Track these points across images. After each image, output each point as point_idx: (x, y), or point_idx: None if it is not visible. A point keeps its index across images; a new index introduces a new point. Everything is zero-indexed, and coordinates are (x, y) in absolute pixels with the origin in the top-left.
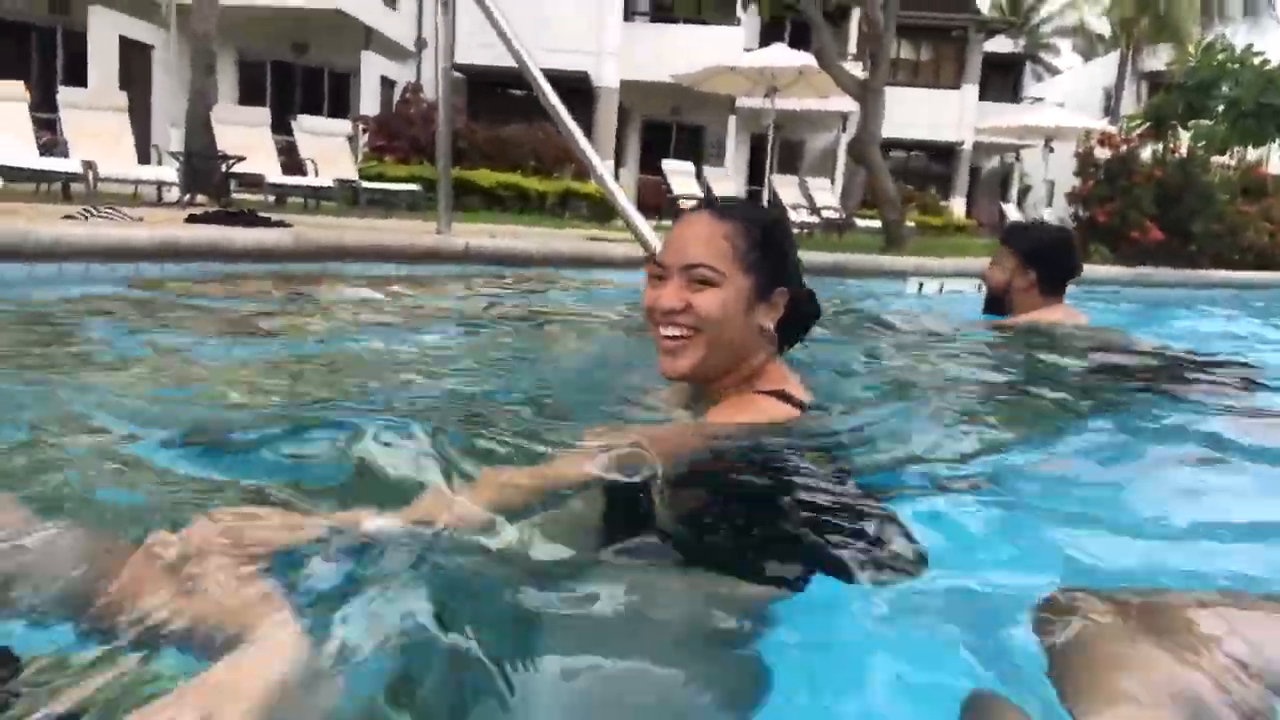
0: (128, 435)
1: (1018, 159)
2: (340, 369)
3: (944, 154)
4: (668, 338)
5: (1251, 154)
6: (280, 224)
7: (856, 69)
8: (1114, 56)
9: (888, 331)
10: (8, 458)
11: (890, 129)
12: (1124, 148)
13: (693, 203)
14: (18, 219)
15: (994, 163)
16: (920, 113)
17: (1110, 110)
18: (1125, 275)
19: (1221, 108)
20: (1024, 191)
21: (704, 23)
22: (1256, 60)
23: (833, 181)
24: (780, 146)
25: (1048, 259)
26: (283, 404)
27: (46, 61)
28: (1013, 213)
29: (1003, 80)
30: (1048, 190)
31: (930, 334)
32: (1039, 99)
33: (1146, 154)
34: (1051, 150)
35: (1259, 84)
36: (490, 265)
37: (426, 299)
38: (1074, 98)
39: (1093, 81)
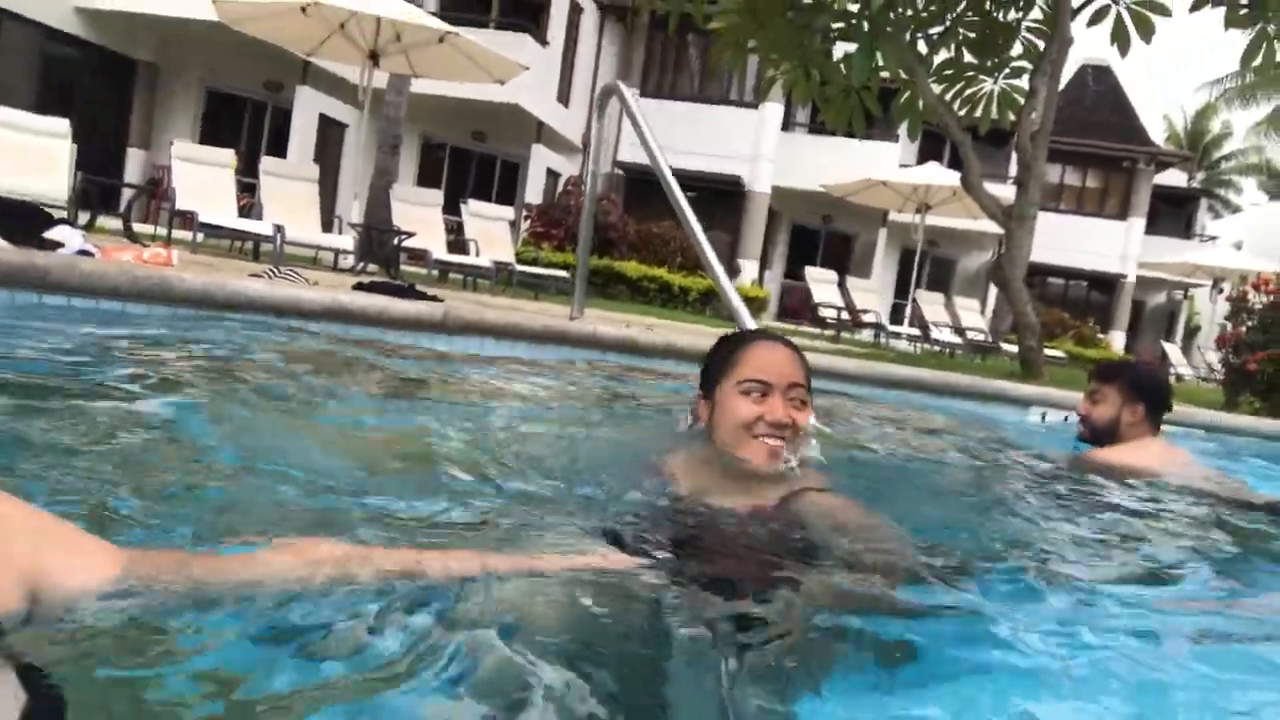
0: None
1: (1186, 297)
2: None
3: (1106, 285)
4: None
5: None
6: (434, 298)
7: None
8: None
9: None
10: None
11: (1050, 255)
12: None
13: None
14: (214, 273)
15: (1161, 299)
16: (1083, 241)
17: None
18: (1267, 427)
19: None
20: (1192, 331)
21: (866, 137)
22: None
23: (983, 303)
24: (932, 263)
25: (1153, 394)
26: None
27: (255, 132)
28: (1174, 353)
29: (1175, 214)
30: (1219, 333)
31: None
32: (1213, 237)
33: None
34: (1221, 291)
35: None
36: (613, 353)
37: (539, 378)
38: (1256, 238)
39: (1278, 221)
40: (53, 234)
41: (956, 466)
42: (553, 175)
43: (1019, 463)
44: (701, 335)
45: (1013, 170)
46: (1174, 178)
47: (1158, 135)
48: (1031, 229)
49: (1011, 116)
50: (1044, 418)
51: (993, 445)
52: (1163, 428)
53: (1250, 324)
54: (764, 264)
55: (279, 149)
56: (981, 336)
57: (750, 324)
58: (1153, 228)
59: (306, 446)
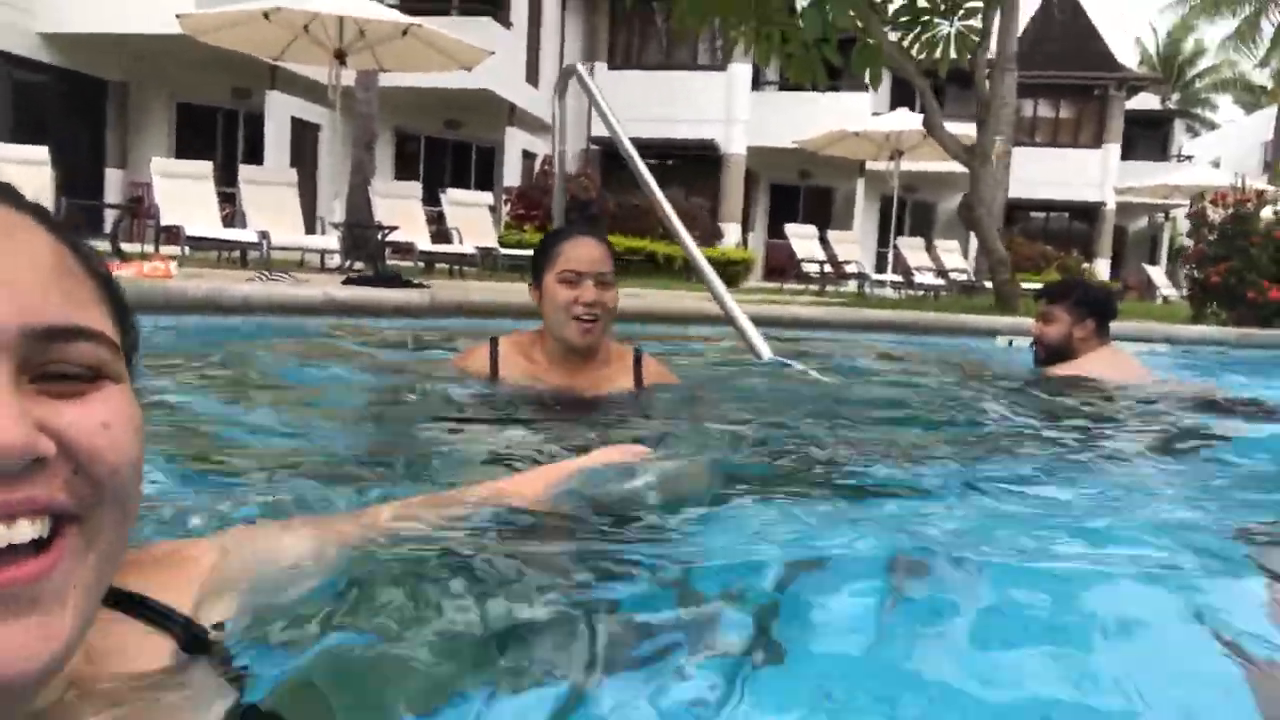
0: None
1: (1167, 219)
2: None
3: (1086, 215)
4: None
5: None
6: (420, 285)
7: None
8: (1274, 110)
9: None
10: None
11: (1029, 189)
12: (1239, 207)
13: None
14: (214, 280)
15: (1143, 223)
16: (1061, 173)
17: (1269, 167)
18: (1232, 336)
19: None
20: (1177, 252)
21: (835, 88)
22: None
23: (964, 244)
24: (912, 209)
25: (1100, 307)
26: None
27: (229, 141)
28: (1158, 275)
29: (1151, 138)
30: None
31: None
32: (1189, 157)
33: (1268, 213)
34: None
35: None
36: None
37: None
38: (1232, 154)
39: (1256, 137)
40: None
41: (907, 387)
42: (529, 157)
43: (974, 382)
44: (679, 299)
45: None
46: (1148, 101)
47: (1131, 60)
48: (1006, 165)
49: (970, 57)
50: (1010, 343)
51: (951, 370)
52: (1127, 345)
53: (1211, 239)
54: (746, 225)
55: (255, 156)
56: (964, 277)
57: (719, 286)
58: (1130, 153)
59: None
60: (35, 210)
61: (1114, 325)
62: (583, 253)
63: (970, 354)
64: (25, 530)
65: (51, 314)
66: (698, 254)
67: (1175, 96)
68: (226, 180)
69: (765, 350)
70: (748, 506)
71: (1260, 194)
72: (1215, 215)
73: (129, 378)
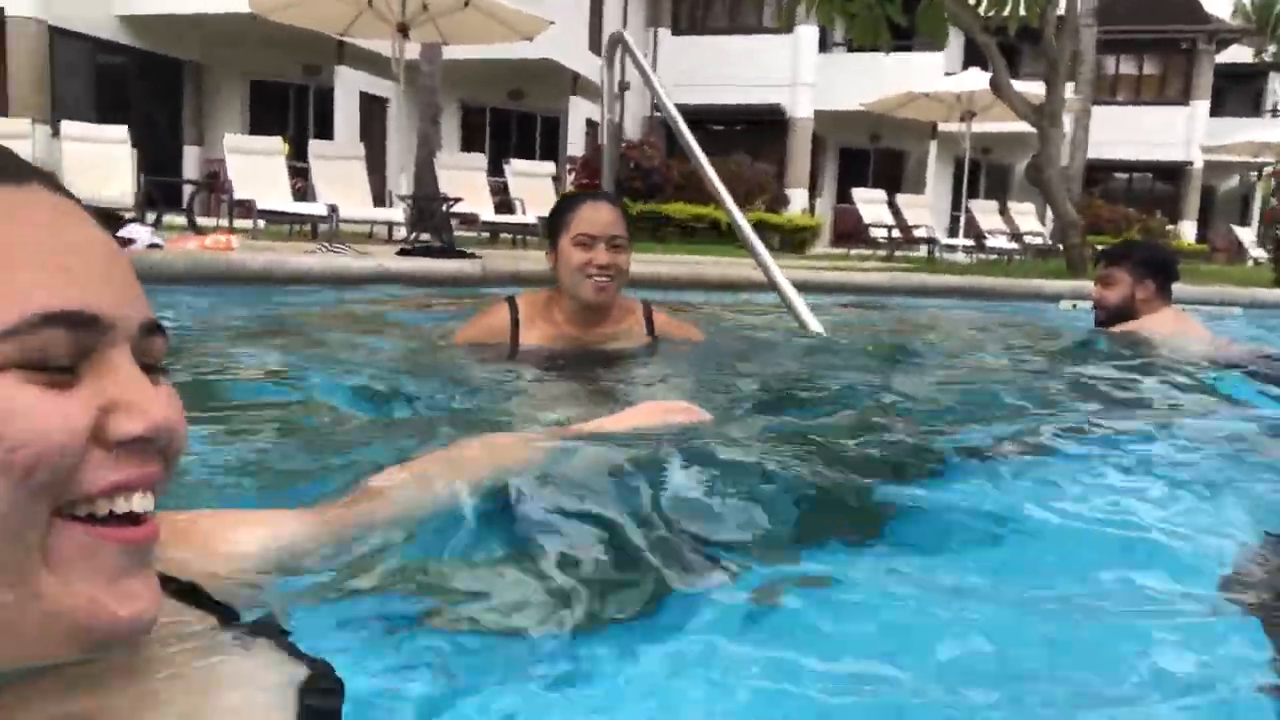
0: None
1: (1260, 178)
2: None
3: (1171, 175)
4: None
5: None
6: (472, 255)
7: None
8: None
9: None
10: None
11: (1111, 149)
12: None
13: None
14: (273, 252)
15: (1233, 183)
16: (1144, 131)
17: None
18: None
19: None
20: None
21: (908, 49)
22: None
23: (1040, 207)
24: (988, 171)
25: (1160, 268)
26: None
27: (300, 116)
28: (1247, 237)
29: (1243, 93)
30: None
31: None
32: None
33: None
34: None
35: None
36: (640, 289)
37: None
38: None
39: None
40: (124, 232)
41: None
42: (592, 125)
43: (1030, 344)
44: (721, 266)
45: None
46: (1240, 54)
47: (1224, 9)
48: (1086, 126)
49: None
50: (1075, 306)
51: (1010, 332)
52: (1196, 308)
53: None
54: (814, 191)
55: (325, 131)
56: (1039, 240)
57: (763, 252)
58: (1219, 109)
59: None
60: (66, 190)
61: (1192, 290)
62: (597, 216)
63: (1032, 319)
64: (149, 500)
65: (147, 310)
66: (744, 222)
67: (1271, 49)
68: (298, 155)
69: (814, 323)
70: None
71: None
72: None
73: None
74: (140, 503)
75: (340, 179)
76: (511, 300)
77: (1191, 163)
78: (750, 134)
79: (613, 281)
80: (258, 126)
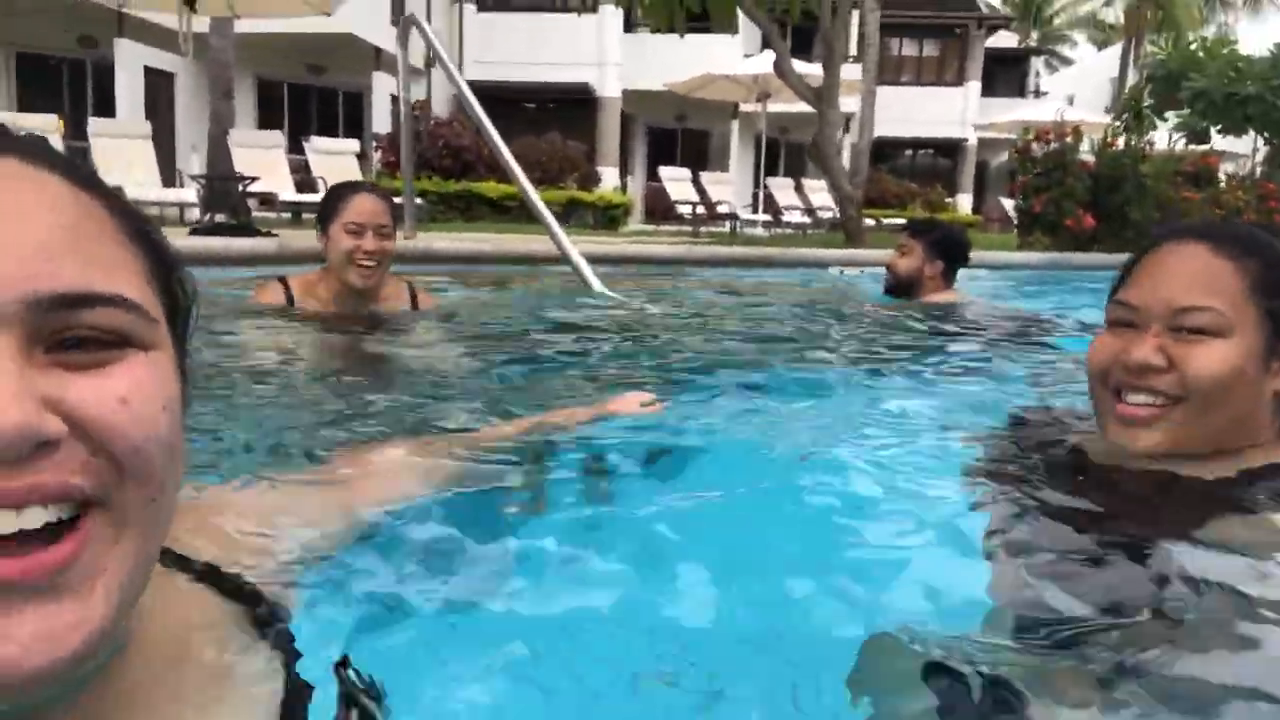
0: None
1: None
2: None
3: (950, 151)
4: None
5: (1226, 143)
6: (269, 234)
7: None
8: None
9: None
10: None
11: (895, 127)
12: (1058, 142)
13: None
14: None
15: (1003, 158)
16: (925, 110)
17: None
18: (1043, 260)
19: (1190, 98)
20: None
21: (706, 31)
22: (1225, 51)
23: None
24: (786, 149)
25: (952, 252)
26: None
27: (78, 93)
28: (1012, 208)
29: (1010, 75)
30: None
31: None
32: (1045, 93)
33: (1086, 147)
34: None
35: (1223, 75)
36: (450, 265)
37: None
38: (1086, 90)
39: (1107, 73)
40: None
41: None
42: (397, 101)
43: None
44: (529, 241)
45: (853, 49)
46: (1008, 39)
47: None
48: (872, 104)
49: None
50: (841, 273)
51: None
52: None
53: (1035, 171)
54: (624, 169)
55: (106, 108)
56: (830, 214)
57: (553, 223)
58: (989, 90)
59: None
60: (57, 162)
61: None
62: (365, 206)
63: (811, 284)
64: (35, 516)
65: (65, 279)
66: (530, 190)
67: (1035, 35)
68: (78, 135)
69: (596, 283)
70: None
71: (1076, 129)
72: (1038, 150)
73: (170, 344)
74: (18, 522)
75: (124, 158)
76: (283, 279)
77: (966, 140)
78: (562, 112)
79: (378, 267)
80: (27, 103)
